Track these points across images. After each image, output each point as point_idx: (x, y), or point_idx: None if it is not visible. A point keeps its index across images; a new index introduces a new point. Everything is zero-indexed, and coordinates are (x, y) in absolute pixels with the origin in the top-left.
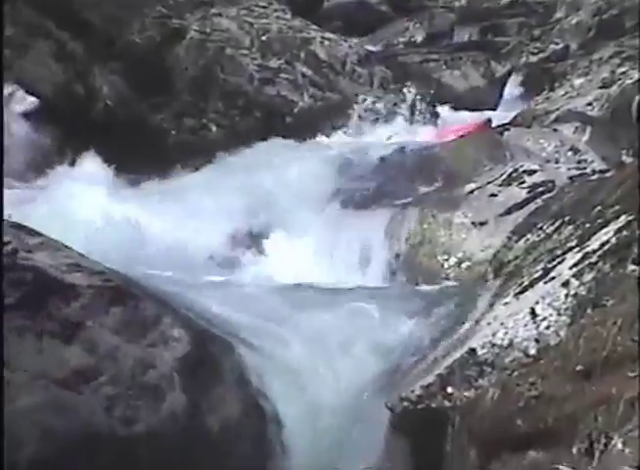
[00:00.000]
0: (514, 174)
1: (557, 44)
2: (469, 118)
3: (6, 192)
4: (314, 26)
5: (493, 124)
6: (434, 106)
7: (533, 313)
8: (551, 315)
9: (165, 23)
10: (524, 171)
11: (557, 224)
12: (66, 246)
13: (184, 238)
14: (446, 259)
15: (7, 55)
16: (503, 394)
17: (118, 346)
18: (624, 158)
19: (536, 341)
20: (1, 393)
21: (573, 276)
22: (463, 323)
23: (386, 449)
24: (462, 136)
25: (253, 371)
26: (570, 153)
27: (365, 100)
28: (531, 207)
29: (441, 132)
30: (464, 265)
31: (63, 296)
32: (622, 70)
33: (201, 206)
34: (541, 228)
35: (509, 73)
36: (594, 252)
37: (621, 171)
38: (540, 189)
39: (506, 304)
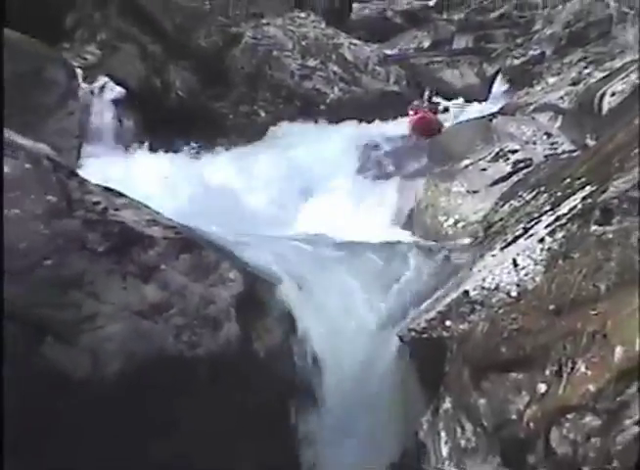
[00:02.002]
0: (500, 153)
1: (535, 50)
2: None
3: (98, 160)
4: (343, 34)
5: (485, 114)
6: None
7: (515, 263)
8: (529, 265)
9: (225, 31)
10: (508, 151)
11: (534, 193)
12: (145, 205)
13: (237, 198)
14: (446, 220)
15: (100, 54)
16: (491, 327)
17: (186, 285)
18: (588, 141)
19: (517, 285)
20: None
21: (547, 234)
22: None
23: (396, 370)
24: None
25: (292, 308)
26: (545, 136)
27: None
28: (514, 179)
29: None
30: (460, 225)
31: (142, 245)
32: (587, 71)
33: (250, 173)
34: (522, 196)
35: (497, 73)
36: (564, 215)
37: (586, 152)
38: (521, 165)
39: (493, 255)
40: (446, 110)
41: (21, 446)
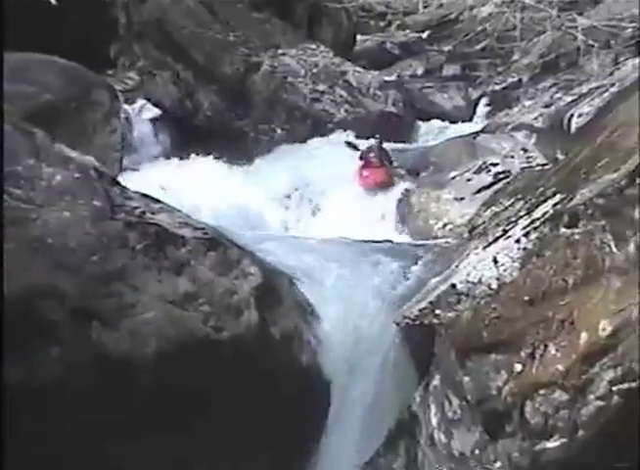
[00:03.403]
0: (483, 166)
1: (513, 77)
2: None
3: (137, 171)
4: (348, 63)
5: (469, 132)
6: None
7: (495, 260)
8: (507, 262)
9: (247, 60)
10: (490, 164)
11: (512, 200)
12: (178, 209)
13: (249, 202)
14: (436, 223)
15: (139, 80)
16: (474, 315)
17: (213, 278)
18: (558, 155)
19: (497, 279)
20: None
21: (523, 235)
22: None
23: (394, 351)
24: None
25: (304, 297)
26: (521, 151)
27: None
28: (495, 188)
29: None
30: (448, 227)
31: (175, 244)
32: (558, 95)
33: (266, 184)
34: (501, 203)
35: (481, 97)
36: (537, 219)
37: (556, 165)
38: (501, 176)
39: (477, 254)
40: (390, 162)
41: (68, 412)
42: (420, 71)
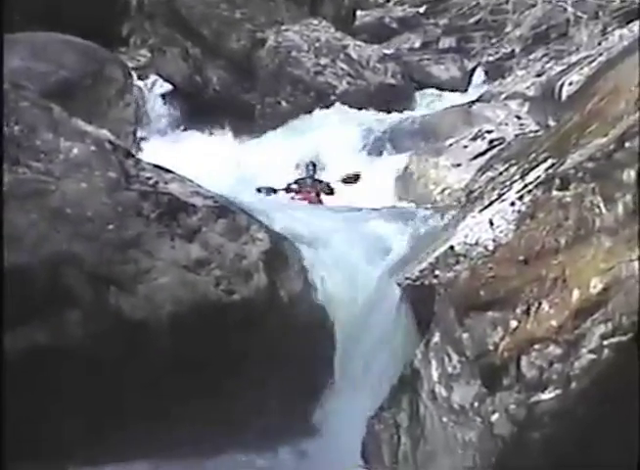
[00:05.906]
0: (478, 133)
1: (506, 49)
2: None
3: (150, 143)
4: (349, 37)
5: (466, 101)
6: None
7: (491, 223)
8: (503, 224)
9: (253, 36)
10: (485, 131)
11: (506, 165)
12: (189, 179)
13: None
14: (435, 188)
15: (150, 56)
16: (472, 275)
17: (223, 244)
18: (550, 122)
19: (493, 240)
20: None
21: (517, 199)
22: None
23: (396, 311)
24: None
25: (309, 261)
26: (515, 119)
27: None
28: (490, 154)
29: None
30: (446, 192)
31: (187, 211)
32: (549, 65)
33: (272, 153)
34: (496, 168)
35: (475, 68)
36: (531, 183)
37: (548, 131)
38: (495, 143)
39: (473, 217)
40: (331, 192)
41: (90, 372)
42: (417, 44)
